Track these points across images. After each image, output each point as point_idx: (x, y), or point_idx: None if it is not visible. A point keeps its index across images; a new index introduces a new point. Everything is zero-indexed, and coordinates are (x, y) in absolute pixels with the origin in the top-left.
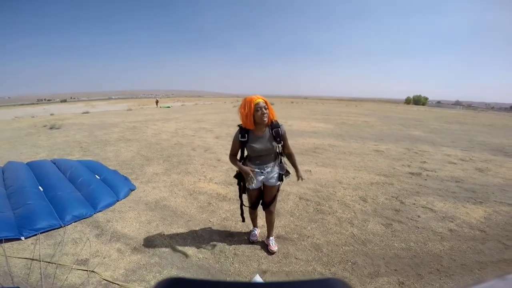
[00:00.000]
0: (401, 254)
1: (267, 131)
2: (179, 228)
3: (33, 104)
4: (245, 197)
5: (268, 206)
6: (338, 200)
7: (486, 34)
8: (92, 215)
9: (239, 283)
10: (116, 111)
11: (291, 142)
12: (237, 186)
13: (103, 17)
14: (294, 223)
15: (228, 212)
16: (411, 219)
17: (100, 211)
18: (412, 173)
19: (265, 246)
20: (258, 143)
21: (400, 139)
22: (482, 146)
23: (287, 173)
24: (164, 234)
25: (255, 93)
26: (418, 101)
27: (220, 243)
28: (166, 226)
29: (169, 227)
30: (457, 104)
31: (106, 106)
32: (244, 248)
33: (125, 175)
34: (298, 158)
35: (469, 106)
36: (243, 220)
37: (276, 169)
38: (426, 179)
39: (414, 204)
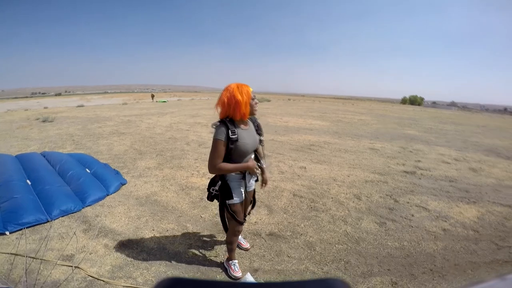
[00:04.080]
0: (395, 253)
1: (250, 122)
2: (170, 224)
3: (27, 97)
4: None
5: (250, 211)
6: (332, 198)
7: (482, 36)
8: (80, 209)
9: (239, 284)
10: (111, 105)
11: (287, 138)
12: (219, 210)
13: (100, 11)
14: (288, 220)
15: None
16: (405, 218)
17: (89, 205)
18: (407, 172)
19: (260, 244)
20: (248, 138)
21: (395, 137)
22: (476, 147)
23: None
24: (153, 230)
25: (253, 89)
26: (414, 101)
27: (211, 240)
28: (156, 222)
29: (159, 222)
30: (452, 105)
31: (101, 100)
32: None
33: (116, 169)
34: (293, 155)
35: (464, 107)
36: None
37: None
38: (420, 178)
39: (408, 203)
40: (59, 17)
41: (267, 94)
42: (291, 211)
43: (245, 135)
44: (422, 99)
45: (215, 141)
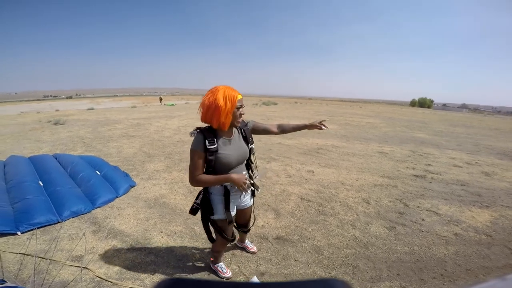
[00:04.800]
0: (404, 258)
1: (234, 131)
2: (177, 226)
3: (39, 100)
4: None
5: (247, 226)
6: (340, 202)
7: (494, 36)
8: (90, 211)
9: (239, 283)
10: (120, 108)
11: (294, 141)
12: (202, 223)
13: (109, 14)
14: (295, 224)
15: None
16: (415, 223)
17: (98, 207)
18: (417, 176)
19: (267, 247)
20: (232, 149)
21: (405, 141)
22: (488, 150)
23: (257, 186)
24: (161, 232)
25: (259, 92)
26: (423, 103)
27: None
28: (164, 224)
29: (167, 225)
30: (463, 107)
31: (111, 103)
32: (243, 249)
33: (126, 171)
34: (300, 158)
35: (476, 109)
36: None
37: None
38: (431, 182)
39: (419, 207)
40: (69, 21)
41: (273, 97)
42: (298, 215)
43: (228, 145)
44: (431, 101)
45: (191, 151)
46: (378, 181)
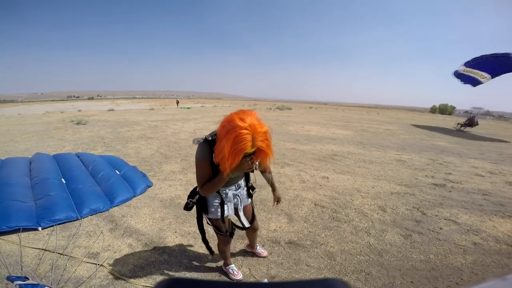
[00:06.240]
0: (419, 266)
1: None
2: (191, 227)
3: (63, 100)
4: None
5: (252, 223)
6: (355, 209)
7: None
8: (108, 209)
9: (239, 284)
10: (138, 110)
11: (309, 147)
12: (197, 220)
13: (126, 21)
14: (308, 230)
15: None
16: (432, 231)
17: (116, 205)
18: (436, 184)
19: (278, 251)
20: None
21: (424, 149)
22: None
23: (253, 188)
24: (175, 232)
25: (274, 97)
26: (444, 110)
27: (231, 245)
28: (179, 224)
29: (181, 225)
30: (487, 114)
31: (130, 105)
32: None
33: (143, 171)
34: (315, 164)
35: (500, 116)
36: (212, 253)
37: (244, 184)
38: (450, 191)
39: (437, 215)
40: (92, 24)
41: (288, 102)
42: (312, 220)
43: None
44: (453, 108)
45: (199, 161)
46: (395, 189)
